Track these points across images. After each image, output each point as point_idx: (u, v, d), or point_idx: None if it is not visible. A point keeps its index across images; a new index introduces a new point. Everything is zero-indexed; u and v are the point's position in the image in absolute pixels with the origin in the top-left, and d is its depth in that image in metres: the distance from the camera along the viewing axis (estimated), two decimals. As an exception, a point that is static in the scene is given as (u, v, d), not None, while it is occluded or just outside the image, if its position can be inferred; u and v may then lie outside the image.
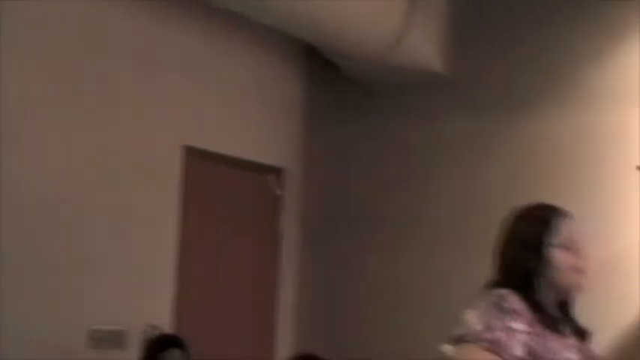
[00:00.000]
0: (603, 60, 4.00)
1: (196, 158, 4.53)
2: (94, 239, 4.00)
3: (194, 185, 4.51)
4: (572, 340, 2.16)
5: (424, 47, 4.52)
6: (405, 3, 4.35)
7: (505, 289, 2.11)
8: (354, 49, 4.51)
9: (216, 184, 4.70)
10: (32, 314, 3.68)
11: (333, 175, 5.04)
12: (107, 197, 4.07)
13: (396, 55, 4.45)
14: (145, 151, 4.28)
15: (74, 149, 3.97)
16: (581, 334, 2.23)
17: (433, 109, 4.60)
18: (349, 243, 4.86)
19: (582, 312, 2.27)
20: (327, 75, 5.03)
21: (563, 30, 4.13)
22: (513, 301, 2.07)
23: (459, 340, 2.07)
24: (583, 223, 2.26)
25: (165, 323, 4.20)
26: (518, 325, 2.03)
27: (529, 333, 2.04)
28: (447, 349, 2.16)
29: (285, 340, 4.92)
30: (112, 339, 4.01)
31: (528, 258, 2.15)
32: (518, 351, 2.01)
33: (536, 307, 2.09)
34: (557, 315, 2.17)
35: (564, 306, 2.22)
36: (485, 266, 2.21)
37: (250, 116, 4.91)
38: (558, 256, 2.16)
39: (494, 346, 1.99)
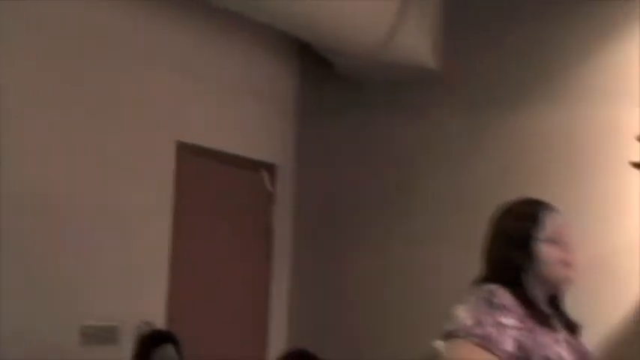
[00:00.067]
0: (593, 56, 4.01)
1: (189, 154, 4.53)
2: (87, 235, 4.00)
3: (187, 181, 4.51)
4: (563, 335, 2.17)
5: (417, 44, 4.53)
6: (397, 0, 4.36)
7: (495, 284, 2.12)
8: (347, 45, 4.51)
9: (208, 180, 4.70)
10: (25, 311, 3.67)
11: (326, 172, 5.05)
12: (100, 193, 4.07)
13: (388, 52, 4.46)
14: (138, 147, 4.28)
15: (67, 146, 3.96)
16: (572, 328, 2.23)
17: (425, 106, 4.62)
18: (341, 239, 4.87)
19: (574, 307, 2.28)
20: (320, 72, 5.04)
21: (554, 27, 4.15)
22: (503, 296, 2.08)
23: (449, 336, 2.08)
24: (570, 217, 2.27)
25: (158, 319, 4.20)
26: (508, 321, 2.03)
27: (519, 328, 2.04)
28: (439, 344, 2.17)
29: (278, 336, 4.93)
30: (105, 335, 4.01)
31: (516, 253, 2.16)
32: (509, 346, 2.01)
33: (526, 302, 2.10)
34: (547, 310, 2.18)
35: (554, 300, 2.23)
36: (476, 261, 2.22)
37: (243, 113, 4.91)
38: (545, 251, 2.16)
39: (485, 342, 2.00)
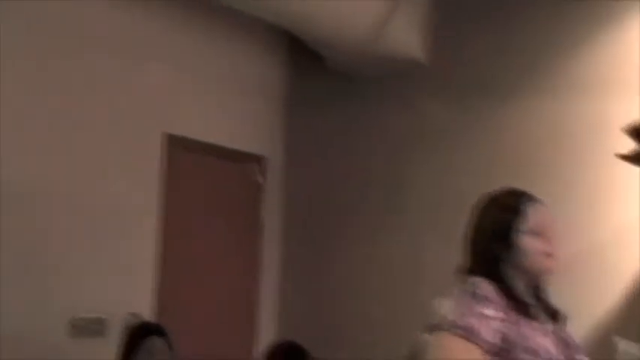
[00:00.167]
0: (582, 49, 4.02)
1: (178, 146, 4.53)
2: (76, 228, 4.00)
3: (175, 173, 4.51)
4: (547, 326, 2.18)
5: (406, 36, 4.53)
6: (386, -8, 4.36)
7: (477, 276, 2.13)
8: (336, 38, 4.51)
9: (197, 172, 4.70)
10: (13, 303, 3.67)
11: (315, 164, 5.05)
12: (88, 185, 4.07)
13: (378, 45, 4.46)
14: (126, 138, 4.28)
15: (54, 138, 3.97)
16: (556, 317, 2.24)
17: (414, 98, 4.62)
18: (331, 230, 4.88)
19: (561, 299, 2.29)
20: (309, 63, 5.03)
21: (542, 20, 4.15)
22: (486, 288, 2.09)
23: (433, 329, 2.09)
24: (558, 209, 2.28)
25: (146, 311, 4.21)
26: (491, 312, 2.05)
27: (502, 320, 2.06)
28: (424, 337, 2.18)
29: (267, 329, 4.94)
30: (94, 327, 4.01)
31: (496, 245, 2.17)
32: (492, 338, 2.03)
33: (509, 294, 2.12)
34: (530, 301, 2.19)
35: (537, 291, 2.24)
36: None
37: (232, 105, 4.91)
38: (527, 242, 2.17)
39: (468, 333, 2.01)
